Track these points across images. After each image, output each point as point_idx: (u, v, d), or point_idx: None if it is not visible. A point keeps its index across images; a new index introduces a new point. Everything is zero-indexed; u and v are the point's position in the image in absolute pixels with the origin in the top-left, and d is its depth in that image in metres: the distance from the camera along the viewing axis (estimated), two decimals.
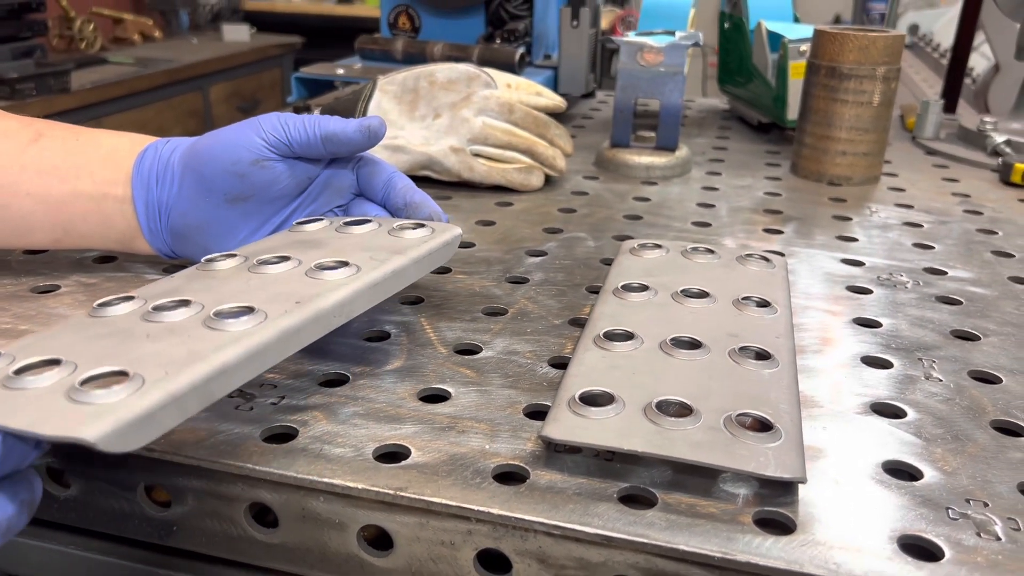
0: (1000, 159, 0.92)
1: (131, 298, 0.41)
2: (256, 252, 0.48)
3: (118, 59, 2.60)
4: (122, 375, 0.33)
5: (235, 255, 0.47)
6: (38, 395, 0.32)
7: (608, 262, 0.65)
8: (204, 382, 0.34)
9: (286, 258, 0.46)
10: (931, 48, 2.72)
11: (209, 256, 0.47)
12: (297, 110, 0.93)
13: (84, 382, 0.33)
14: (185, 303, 0.40)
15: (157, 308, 0.40)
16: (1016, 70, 1.42)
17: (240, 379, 0.37)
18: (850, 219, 0.78)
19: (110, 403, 0.31)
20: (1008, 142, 0.96)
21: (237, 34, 3.05)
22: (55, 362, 0.34)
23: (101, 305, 0.41)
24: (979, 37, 2.03)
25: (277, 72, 3.18)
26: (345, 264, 0.45)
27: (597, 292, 0.58)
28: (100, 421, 0.30)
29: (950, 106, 1.43)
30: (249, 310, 0.39)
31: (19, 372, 0.34)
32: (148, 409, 0.31)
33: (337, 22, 3.32)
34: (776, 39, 1.00)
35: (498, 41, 1.10)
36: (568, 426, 0.40)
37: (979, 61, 2.20)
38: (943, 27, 2.75)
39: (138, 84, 2.42)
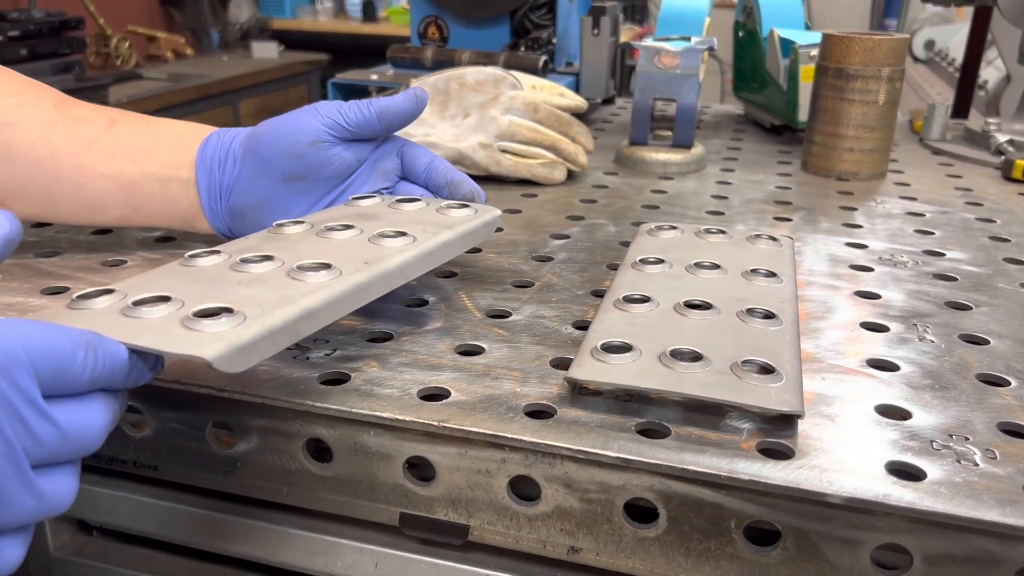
0: (1003, 157, 0.97)
1: (217, 252, 0.47)
2: (321, 220, 0.54)
3: (152, 75, 2.70)
4: (227, 310, 0.39)
5: (302, 222, 0.53)
6: (156, 323, 0.38)
7: (627, 244, 0.70)
8: (294, 321, 0.40)
9: (349, 226, 0.52)
10: (947, 63, 2.77)
11: (279, 222, 0.53)
12: None
13: (196, 314, 0.38)
14: (269, 258, 0.46)
15: (244, 260, 0.46)
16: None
17: (320, 323, 0.42)
18: (855, 209, 0.82)
19: (220, 331, 0.37)
20: (1011, 141, 1.00)
21: (266, 51, 3.14)
22: (165, 298, 0.40)
23: (191, 256, 0.46)
24: (994, 52, 2.08)
25: (304, 88, 3.27)
26: (403, 234, 0.51)
27: (617, 268, 0.63)
28: (216, 344, 0.36)
29: (961, 113, 1.47)
30: (327, 266, 0.45)
31: (135, 304, 0.39)
32: (251, 338, 0.37)
33: (362, 40, 3.40)
34: (788, 45, 1.05)
35: (522, 49, 1.15)
36: (591, 369, 0.45)
37: (993, 74, 2.24)
38: (959, 42, 2.80)
39: (171, 99, 2.51)
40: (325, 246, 0.50)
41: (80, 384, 0.34)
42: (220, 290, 0.42)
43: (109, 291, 0.41)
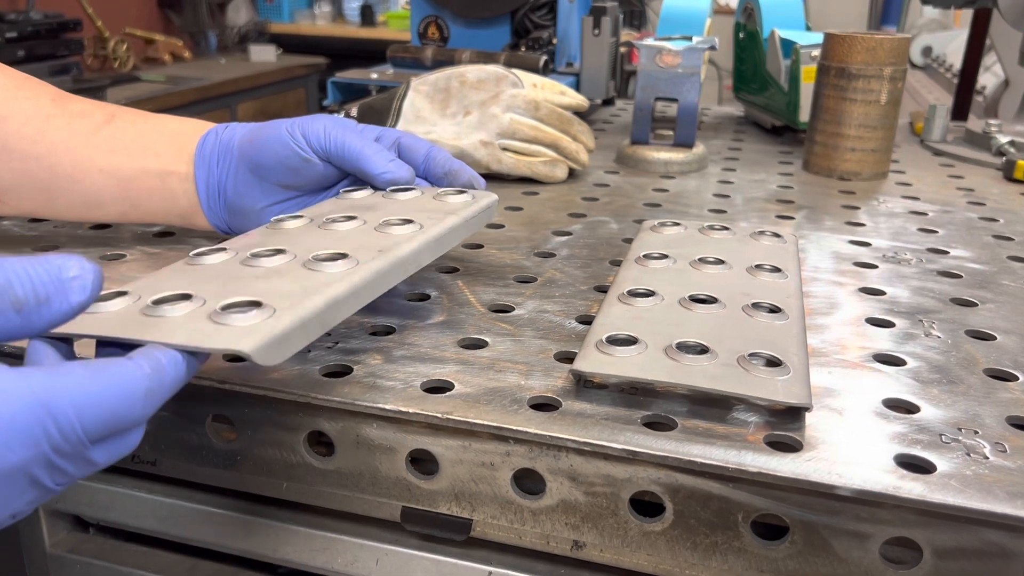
0: (1004, 158, 0.96)
1: (223, 249, 0.46)
2: (319, 214, 0.53)
3: (150, 77, 2.69)
4: (256, 304, 0.38)
5: (301, 216, 0.52)
6: (183, 320, 0.37)
7: (630, 241, 0.69)
8: (322, 311, 0.39)
9: (352, 217, 0.51)
10: (944, 69, 2.77)
11: (277, 217, 0.52)
12: (332, 112, 0.99)
13: (224, 308, 0.37)
14: (280, 251, 0.45)
15: (255, 255, 0.45)
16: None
17: (345, 313, 0.42)
18: (858, 208, 0.82)
19: (253, 324, 0.36)
20: (1012, 142, 1.00)
21: (264, 55, 3.14)
22: (186, 296, 0.38)
23: (197, 255, 0.45)
24: (991, 58, 2.08)
25: (302, 92, 3.27)
26: (409, 222, 0.50)
27: (620, 264, 0.63)
28: (251, 337, 0.35)
29: (960, 116, 1.47)
30: (343, 255, 0.44)
31: (156, 303, 0.38)
32: (285, 330, 0.36)
33: (360, 44, 3.40)
34: (789, 45, 1.05)
35: (523, 49, 1.15)
36: (596, 361, 0.45)
37: (991, 80, 2.24)
38: (956, 49, 2.80)
39: (169, 101, 2.50)
40: (332, 238, 0.49)
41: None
42: (239, 285, 0.41)
43: (122, 293, 0.40)
